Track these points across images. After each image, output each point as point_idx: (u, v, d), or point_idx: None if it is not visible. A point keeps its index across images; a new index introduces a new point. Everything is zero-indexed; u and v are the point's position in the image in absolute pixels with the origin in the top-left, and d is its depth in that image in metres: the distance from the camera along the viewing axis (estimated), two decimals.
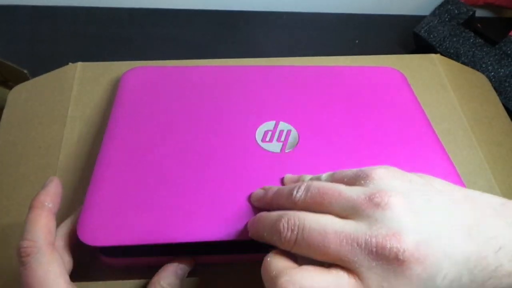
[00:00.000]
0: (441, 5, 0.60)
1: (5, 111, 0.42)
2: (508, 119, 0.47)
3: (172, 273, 0.29)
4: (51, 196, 0.28)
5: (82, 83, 0.45)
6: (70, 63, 0.46)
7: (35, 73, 0.46)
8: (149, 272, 0.31)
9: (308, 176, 0.30)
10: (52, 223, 0.27)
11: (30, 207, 0.27)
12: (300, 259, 0.24)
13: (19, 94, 0.44)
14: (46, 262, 0.25)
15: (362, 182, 0.25)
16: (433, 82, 0.48)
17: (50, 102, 0.43)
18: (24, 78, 0.45)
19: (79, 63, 0.46)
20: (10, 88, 0.50)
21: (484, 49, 0.55)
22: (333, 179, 0.27)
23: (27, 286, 0.24)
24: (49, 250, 0.26)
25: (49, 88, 0.44)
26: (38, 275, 0.24)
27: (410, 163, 0.36)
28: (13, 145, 0.40)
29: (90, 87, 0.44)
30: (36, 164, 0.38)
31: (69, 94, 0.44)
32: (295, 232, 0.23)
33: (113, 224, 0.30)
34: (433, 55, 0.51)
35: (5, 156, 0.39)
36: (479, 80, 0.50)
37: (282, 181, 0.32)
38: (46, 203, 0.27)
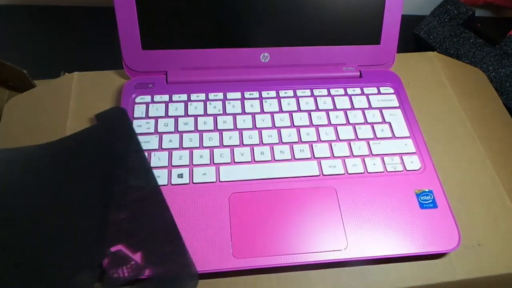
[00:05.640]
0: (440, 6, 0.60)
1: (1, 126, 0.42)
2: (508, 114, 0.46)
3: None
4: None
5: (80, 93, 0.44)
6: (66, 74, 0.46)
7: (34, 73, 0.46)
8: None
9: None
10: None
11: None
12: None
13: (14, 107, 0.43)
14: None
15: None
16: (432, 80, 0.48)
17: (48, 114, 0.43)
18: (24, 78, 0.45)
19: (75, 73, 0.46)
20: (10, 88, 0.50)
21: (485, 49, 0.55)
22: None
23: None
24: None
25: (45, 100, 0.44)
26: None
27: None
28: None
29: (88, 97, 0.44)
30: None
31: (67, 106, 0.43)
32: None
33: None
34: (430, 53, 0.51)
35: None
36: (476, 75, 0.50)
37: None
38: None
